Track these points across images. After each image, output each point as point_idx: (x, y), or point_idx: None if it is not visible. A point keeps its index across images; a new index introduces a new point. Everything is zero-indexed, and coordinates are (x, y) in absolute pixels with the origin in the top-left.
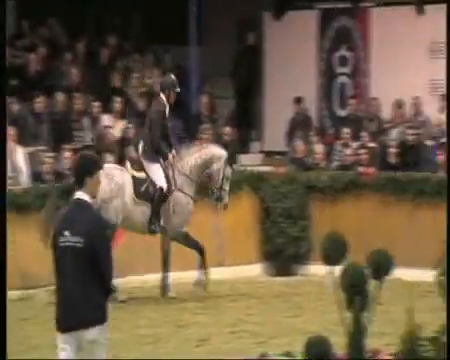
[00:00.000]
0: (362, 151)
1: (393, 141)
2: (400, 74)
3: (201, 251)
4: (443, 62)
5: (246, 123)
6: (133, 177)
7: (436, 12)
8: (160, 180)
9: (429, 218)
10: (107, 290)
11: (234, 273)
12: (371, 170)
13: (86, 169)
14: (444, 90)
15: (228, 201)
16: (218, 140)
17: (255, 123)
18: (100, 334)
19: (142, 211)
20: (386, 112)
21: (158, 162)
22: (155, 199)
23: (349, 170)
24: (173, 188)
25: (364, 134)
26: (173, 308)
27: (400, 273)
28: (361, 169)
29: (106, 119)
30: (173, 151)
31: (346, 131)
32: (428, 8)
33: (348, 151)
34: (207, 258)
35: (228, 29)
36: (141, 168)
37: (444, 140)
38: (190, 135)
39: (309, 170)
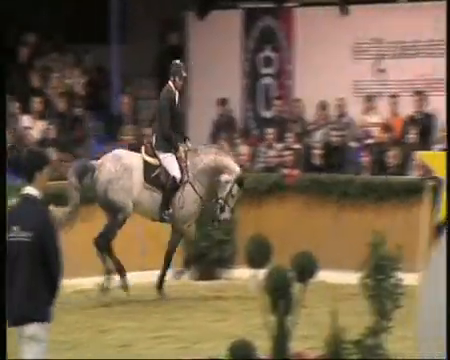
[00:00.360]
0: (286, 153)
1: (317, 143)
2: (324, 75)
3: (169, 261)
4: (367, 63)
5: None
6: (145, 162)
7: (360, 12)
8: (174, 170)
9: (353, 220)
10: (55, 287)
11: (157, 277)
12: (295, 172)
13: (35, 164)
14: (369, 91)
15: (228, 217)
16: (140, 141)
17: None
18: (40, 332)
19: (152, 196)
20: (310, 113)
21: (171, 151)
22: (167, 188)
23: (273, 172)
24: (186, 179)
25: (288, 135)
26: (94, 313)
27: (324, 276)
28: (285, 171)
29: (25, 120)
30: (188, 144)
31: (270, 132)
32: (352, 8)
33: (272, 153)
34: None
35: (151, 28)
36: (154, 155)
37: (368, 141)
38: (111, 136)
39: None
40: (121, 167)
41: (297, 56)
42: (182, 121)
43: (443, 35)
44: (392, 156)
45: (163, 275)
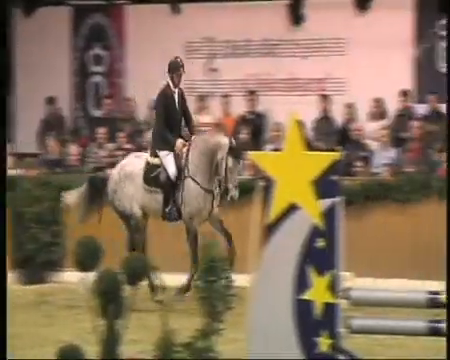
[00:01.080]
0: (118, 153)
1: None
2: (156, 74)
3: (195, 263)
4: (199, 62)
5: None
6: (147, 163)
7: (191, 11)
8: (170, 167)
9: None
10: None
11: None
12: None
13: None
14: (201, 91)
15: (235, 194)
16: None
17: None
18: None
19: (154, 197)
20: (142, 113)
21: (168, 149)
22: (165, 185)
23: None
24: (185, 175)
25: (120, 135)
26: None
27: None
28: None
29: None
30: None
31: (101, 132)
32: (184, 7)
33: (103, 153)
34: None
35: None
36: (156, 154)
37: None
38: None
39: (63, 173)
40: (123, 175)
41: (128, 54)
42: (187, 118)
43: (277, 35)
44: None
45: (191, 278)
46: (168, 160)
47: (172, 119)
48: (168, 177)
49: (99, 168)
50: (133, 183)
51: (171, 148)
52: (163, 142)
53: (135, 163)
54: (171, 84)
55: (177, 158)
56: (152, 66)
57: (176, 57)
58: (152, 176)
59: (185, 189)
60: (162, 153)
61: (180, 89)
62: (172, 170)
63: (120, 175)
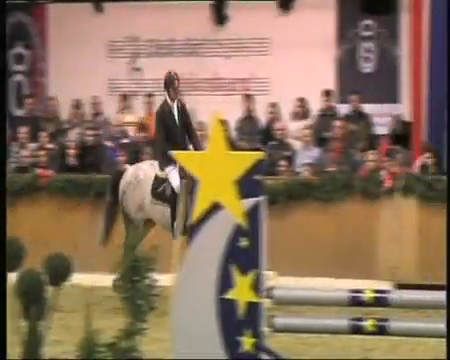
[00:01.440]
0: (40, 152)
1: (72, 142)
2: (79, 73)
3: None
4: (122, 61)
5: None
6: (156, 176)
7: (114, 10)
8: (174, 180)
9: None
10: None
11: None
12: (49, 172)
13: None
14: (124, 90)
15: None
16: None
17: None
18: None
19: (161, 211)
20: (65, 112)
21: (172, 164)
22: (170, 199)
23: (26, 172)
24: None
25: (42, 135)
26: None
27: (80, 278)
28: (39, 171)
29: None
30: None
31: (23, 131)
32: (106, 6)
33: (25, 152)
34: None
35: None
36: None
37: (124, 141)
38: None
39: None
40: (135, 179)
41: (51, 53)
42: (190, 133)
43: (200, 35)
44: (148, 155)
45: None
46: (173, 174)
47: (172, 133)
48: (173, 191)
49: (21, 168)
50: (142, 191)
51: (174, 163)
52: (166, 159)
53: (147, 170)
54: (168, 99)
55: (182, 171)
56: (75, 65)
57: (169, 71)
58: (159, 191)
59: (190, 202)
60: (167, 168)
61: (180, 102)
62: (176, 183)
63: (132, 178)
